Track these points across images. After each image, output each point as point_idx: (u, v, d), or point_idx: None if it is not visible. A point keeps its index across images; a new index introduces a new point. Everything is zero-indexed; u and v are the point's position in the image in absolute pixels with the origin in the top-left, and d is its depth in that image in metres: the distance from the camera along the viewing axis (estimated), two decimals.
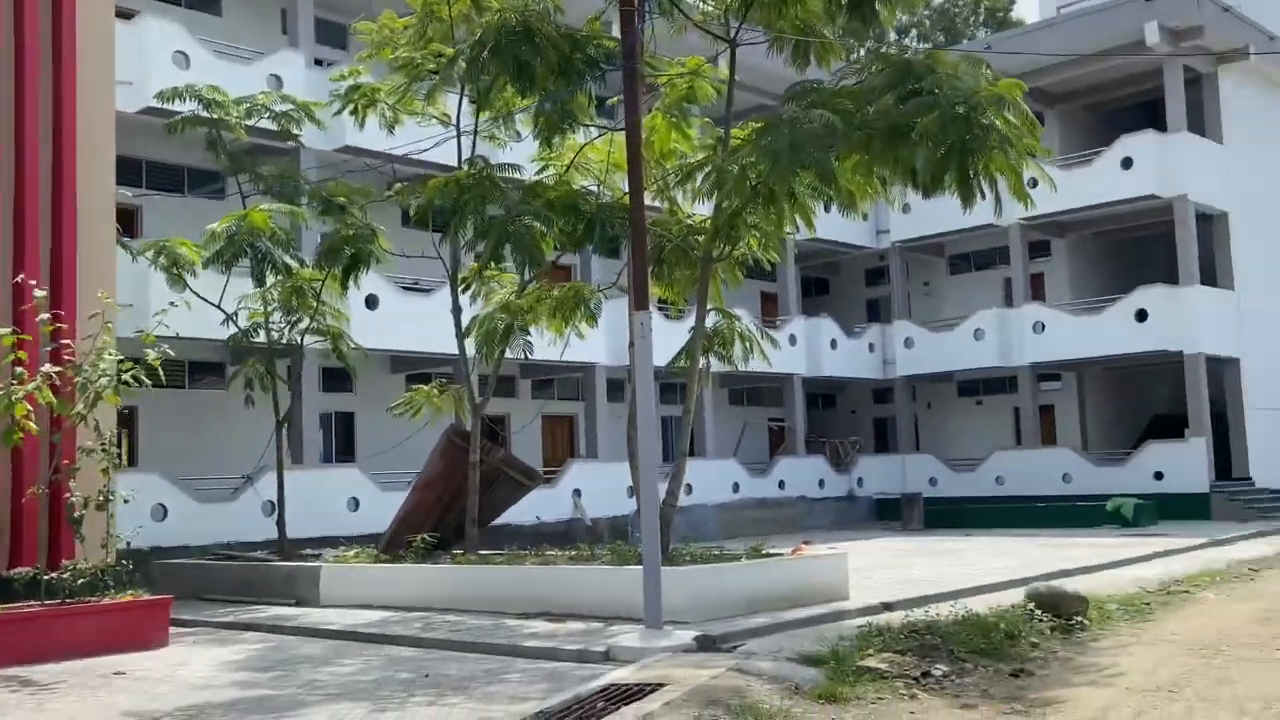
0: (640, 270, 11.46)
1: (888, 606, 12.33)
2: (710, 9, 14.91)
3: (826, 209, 28.37)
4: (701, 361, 15.07)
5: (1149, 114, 29.80)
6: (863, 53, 15.08)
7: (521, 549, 15.42)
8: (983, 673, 8.84)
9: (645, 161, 15.96)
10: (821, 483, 31.10)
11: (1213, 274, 29.23)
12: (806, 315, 32.11)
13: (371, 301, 21.33)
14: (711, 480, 28.01)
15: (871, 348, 33.32)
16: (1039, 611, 10.96)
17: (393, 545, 15.90)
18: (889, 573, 16.17)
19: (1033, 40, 30.46)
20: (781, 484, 29.98)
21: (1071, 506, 27.32)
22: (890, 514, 30.68)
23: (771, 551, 13.67)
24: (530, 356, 16.76)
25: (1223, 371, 29.02)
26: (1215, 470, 27.75)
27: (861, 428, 35.88)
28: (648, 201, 16.47)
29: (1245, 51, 29.01)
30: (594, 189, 16.13)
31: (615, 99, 14.95)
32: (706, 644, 10.45)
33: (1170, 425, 29.74)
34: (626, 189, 14.65)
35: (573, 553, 14.98)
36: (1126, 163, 28.31)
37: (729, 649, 10.25)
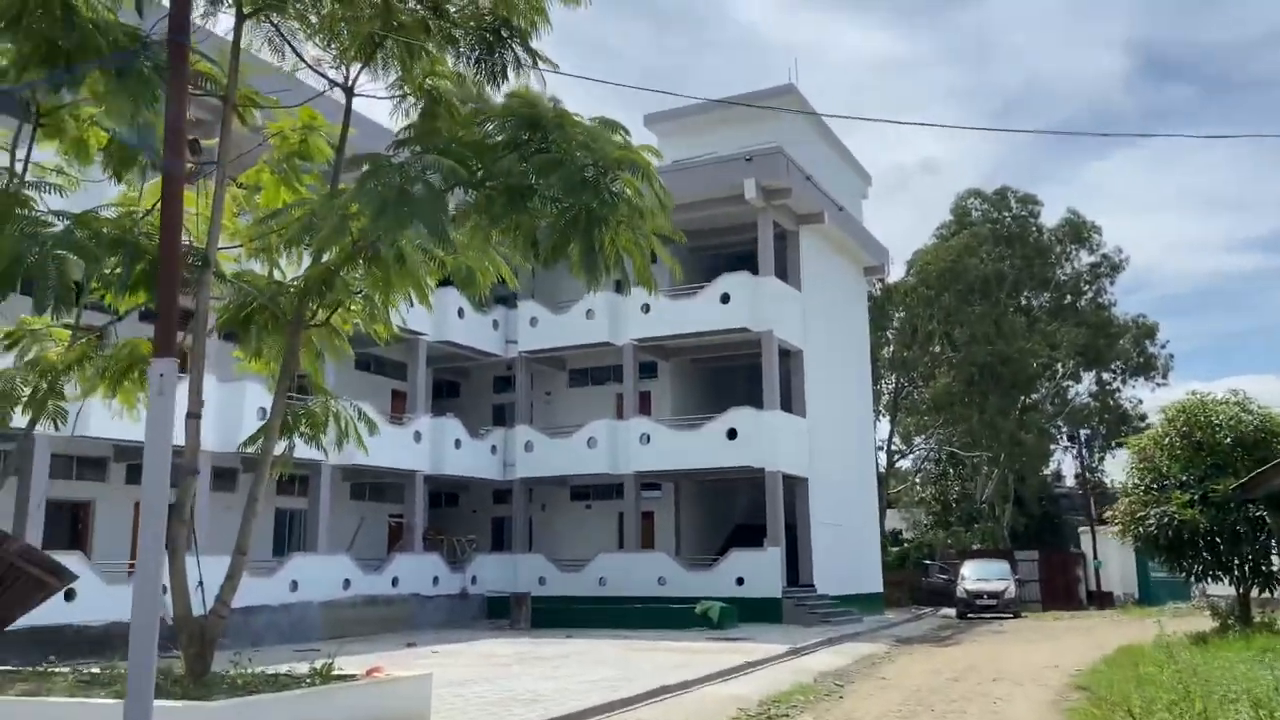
0: (168, 300, 7.33)
1: None
2: (322, 53, 11.43)
3: (446, 284, 24.91)
4: (283, 444, 11.17)
5: (744, 261, 29.39)
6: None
7: (49, 659, 10.65)
8: None
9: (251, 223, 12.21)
10: (436, 580, 27.03)
11: (789, 402, 28.81)
12: (434, 415, 28.43)
13: None
14: (321, 576, 23.27)
15: (494, 449, 30.02)
16: None
17: None
18: (485, 688, 12.64)
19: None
20: (395, 581, 25.62)
21: (665, 608, 25.11)
22: (501, 612, 27.12)
23: (341, 673, 9.76)
24: (62, 428, 11.85)
25: (794, 488, 28.41)
26: (786, 577, 26.75)
27: (481, 526, 32.28)
28: (245, 262, 12.62)
29: (820, 216, 29.55)
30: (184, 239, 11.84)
31: (213, 141, 11.06)
32: None
33: (750, 534, 28.68)
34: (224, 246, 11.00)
35: (89, 673, 10.21)
36: (725, 298, 27.53)
37: None
